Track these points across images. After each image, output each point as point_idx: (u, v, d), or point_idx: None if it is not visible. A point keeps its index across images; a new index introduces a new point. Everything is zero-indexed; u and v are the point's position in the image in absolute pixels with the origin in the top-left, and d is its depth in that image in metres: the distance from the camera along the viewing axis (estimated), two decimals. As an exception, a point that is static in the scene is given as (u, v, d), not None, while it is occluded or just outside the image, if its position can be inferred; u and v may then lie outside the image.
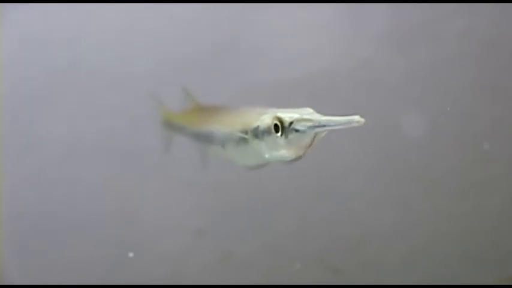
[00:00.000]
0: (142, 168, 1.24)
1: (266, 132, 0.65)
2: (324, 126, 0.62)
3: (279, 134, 0.64)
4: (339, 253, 1.23)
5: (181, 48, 1.22)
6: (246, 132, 0.68)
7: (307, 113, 0.64)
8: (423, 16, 1.22)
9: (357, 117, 0.61)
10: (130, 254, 1.21)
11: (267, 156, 0.67)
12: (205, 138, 0.80)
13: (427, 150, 1.24)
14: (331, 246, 1.23)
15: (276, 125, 0.64)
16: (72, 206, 1.24)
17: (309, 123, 0.62)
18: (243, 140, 0.69)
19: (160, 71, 1.22)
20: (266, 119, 0.65)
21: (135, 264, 1.25)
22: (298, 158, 0.65)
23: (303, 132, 0.63)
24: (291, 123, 0.63)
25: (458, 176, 1.24)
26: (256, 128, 0.66)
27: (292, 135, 0.63)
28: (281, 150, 0.65)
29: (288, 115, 0.64)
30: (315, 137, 0.63)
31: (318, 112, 0.65)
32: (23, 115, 1.23)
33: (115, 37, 1.22)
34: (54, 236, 1.25)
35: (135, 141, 1.22)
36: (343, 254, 1.23)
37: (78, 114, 1.23)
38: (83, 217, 1.25)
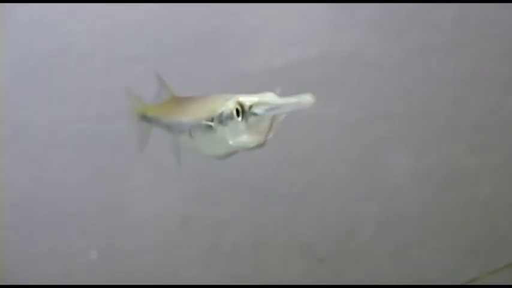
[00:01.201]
0: (130, 155, 1.23)
1: (229, 117, 0.66)
2: (279, 108, 0.62)
3: (240, 118, 0.64)
4: (327, 244, 1.23)
5: (172, 34, 1.21)
6: (212, 119, 0.68)
7: (268, 97, 0.64)
8: (416, 3, 1.20)
9: (307, 97, 0.60)
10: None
11: (230, 142, 0.67)
12: (174, 128, 0.79)
13: (419, 138, 1.23)
14: (319, 236, 1.23)
15: (237, 110, 0.64)
16: (58, 194, 1.23)
17: (266, 106, 0.63)
18: (210, 128, 0.69)
19: (150, 57, 1.21)
20: (230, 105, 0.66)
21: (122, 253, 1.24)
22: (261, 144, 0.66)
23: (261, 115, 0.63)
24: (250, 107, 0.64)
25: (449, 166, 1.23)
26: (221, 114, 0.67)
27: (252, 119, 0.64)
28: (243, 135, 0.65)
29: (248, 99, 0.64)
30: (274, 120, 0.64)
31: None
32: (10, 100, 1.22)
33: (105, 23, 1.20)
34: (40, 224, 1.24)
35: (123, 128, 1.21)
36: (331, 245, 1.23)
37: (66, 100, 1.22)
38: (68, 204, 1.24)
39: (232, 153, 0.71)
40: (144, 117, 0.93)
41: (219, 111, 0.67)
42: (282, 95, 0.66)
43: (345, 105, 1.21)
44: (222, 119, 0.66)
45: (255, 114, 0.64)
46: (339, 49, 1.21)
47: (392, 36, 1.21)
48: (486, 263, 1.23)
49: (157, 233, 1.23)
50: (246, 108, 0.64)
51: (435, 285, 1.22)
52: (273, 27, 1.21)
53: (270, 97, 0.64)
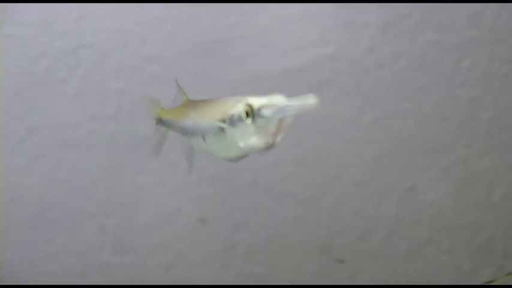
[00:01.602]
0: (144, 155, 1.23)
1: (239, 119, 0.66)
2: (285, 110, 0.63)
3: (249, 120, 0.65)
4: (343, 243, 1.23)
5: (186, 33, 1.21)
6: (224, 121, 0.69)
7: (275, 99, 0.65)
8: (430, 3, 1.20)
9: (311, 99, 0.62)
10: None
11: (241, 144, 0.67)
12: (187, 131, 0.80)
13: (434, 138, 1.23)
14: (335, 236, 1.23)
15: (246, 112, 0.65)
16: (71, 193, 1.24)
17: (273, 108, 0.64)
18: (221, 130, 0.70)
19: (165, 57, 1.21)
20: (240, 107, 0.66)
21: (137, 253, 1.25)
22: (270, 146, 0.66)
23: (269, 117, 0.64)
24: (258, 109, 0.65)
25: (465, 165, 1.23)
26: (232, 116, 0.68)
27: (260, 121, 0.65)
28: (252, 137, 0.66)
29: (256, 101, 0.65)
30: (281, 122, 0.65)
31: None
32: (24, 98, 1.22)
33: (118, 22, 1.21)
34: (52, 223, 1.25)
35: (137, 128, 1.21)
36: (348, 244, 1.23)
37: (81, 99, 1.22)
38: (82, 205, 1.24)
39: (244, 155, 0.71)
40: (160, 121, 0.93)
41: (230, 113, 0.67)
42: (296, 95, 0.66)
43: (359, 106, 1.21)
44: (233, 121, 0.67)
45: (262, 116, 0.64)
46: (353, 49, 1.21)
47: (406, 36, 1.21)
48: (501, 264, 1.23)
49: (171, 233, 1.24)
50: (255, 110, 0.64)
51: (453, 286, 1.22)
52: (285, 28, 1.21)
53: (278, 99, 0.64)
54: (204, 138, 0.74)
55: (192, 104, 0.85)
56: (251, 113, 0.64)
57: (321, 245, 1.22)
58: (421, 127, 1.22)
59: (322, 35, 1.20)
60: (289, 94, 1.22)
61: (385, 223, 1.24)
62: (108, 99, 1.22)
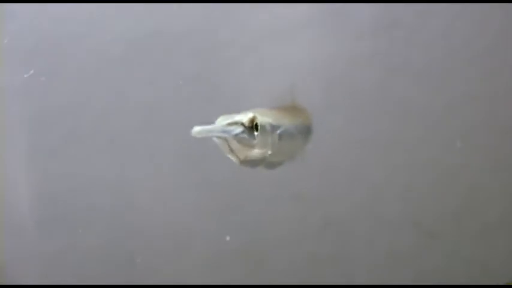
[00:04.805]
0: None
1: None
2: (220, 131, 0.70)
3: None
4: (439, 219, 1.23)
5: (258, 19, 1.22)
6: None
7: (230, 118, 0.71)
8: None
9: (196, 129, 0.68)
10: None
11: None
12: None
13: (502, 124, 1.24)
14: (431, 211, 1.23)
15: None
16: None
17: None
18: None
19: (240, 41, 1.21)
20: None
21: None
22: (248, 160, 0.71)
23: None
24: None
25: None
26: None
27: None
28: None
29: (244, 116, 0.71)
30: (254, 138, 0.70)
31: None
32: (100, 79, 1.21)
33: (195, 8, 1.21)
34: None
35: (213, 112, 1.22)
36: (443, 220, 1.23)
37: (155, 82, 1.22)
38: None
39: (276, 164, 0.77)
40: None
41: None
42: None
43: (430, 90, 1.22)
44: None
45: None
46: (424, 34, 1.22)
47: (478, 23, 1.22)
48: None
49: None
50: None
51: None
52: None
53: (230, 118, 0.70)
54: None
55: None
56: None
57: (416, 220, 1.22)
58: (491, 111, 1.23)
59: (393, 20, 1.21)
60: (362, 79, 1.22)
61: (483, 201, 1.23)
62: (186, 82, 1.22)
